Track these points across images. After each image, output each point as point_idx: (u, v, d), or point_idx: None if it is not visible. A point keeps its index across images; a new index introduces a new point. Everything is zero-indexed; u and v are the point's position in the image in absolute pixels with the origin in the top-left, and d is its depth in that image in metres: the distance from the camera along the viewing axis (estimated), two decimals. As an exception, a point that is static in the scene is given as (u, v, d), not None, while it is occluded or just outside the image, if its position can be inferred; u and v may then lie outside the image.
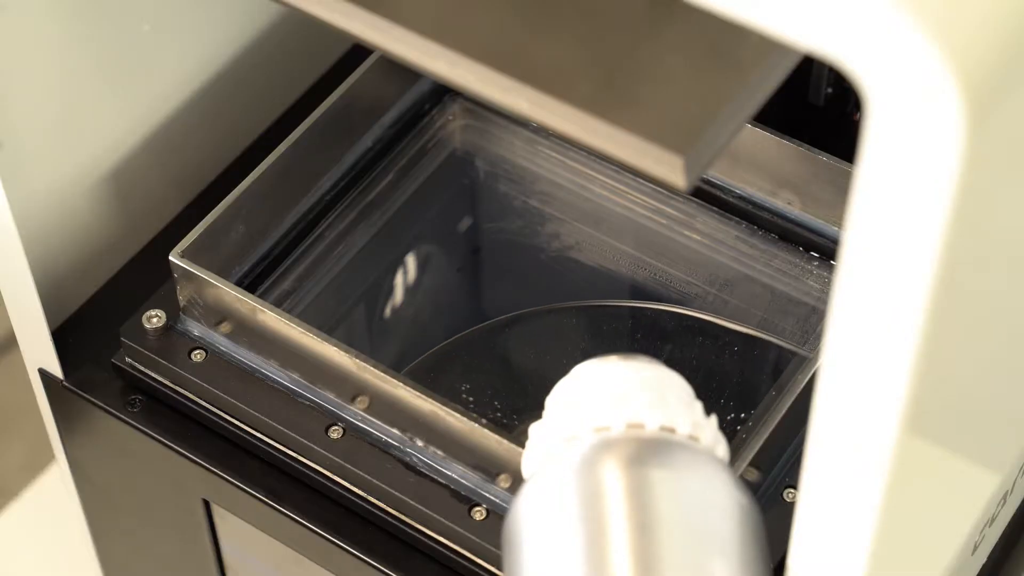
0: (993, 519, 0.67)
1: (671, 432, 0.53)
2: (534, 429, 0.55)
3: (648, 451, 0.52)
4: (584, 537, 0.51)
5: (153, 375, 0.69)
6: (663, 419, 0.53)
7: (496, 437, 0.62)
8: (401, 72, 0.75)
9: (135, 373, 0.69)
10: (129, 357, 0.69)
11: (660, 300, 0.75)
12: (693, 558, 0.51)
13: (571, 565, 0.51)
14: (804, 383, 0.65)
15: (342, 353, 0.64)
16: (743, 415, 0.71)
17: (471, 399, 0.73)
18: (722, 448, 0.54)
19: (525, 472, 0.55)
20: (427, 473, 0.65)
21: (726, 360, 0.74)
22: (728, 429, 0.56)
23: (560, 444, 0.53)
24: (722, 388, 0.72)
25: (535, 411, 0.56)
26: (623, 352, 0.56)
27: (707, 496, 0.52)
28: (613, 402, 0.53)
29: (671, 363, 0.56)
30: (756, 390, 0.72)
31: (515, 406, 0.73)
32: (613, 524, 0.51)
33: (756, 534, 0.52)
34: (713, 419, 0.54)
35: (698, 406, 0.54)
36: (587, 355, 0.55)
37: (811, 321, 0.72)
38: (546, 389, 0.55)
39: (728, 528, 0.51)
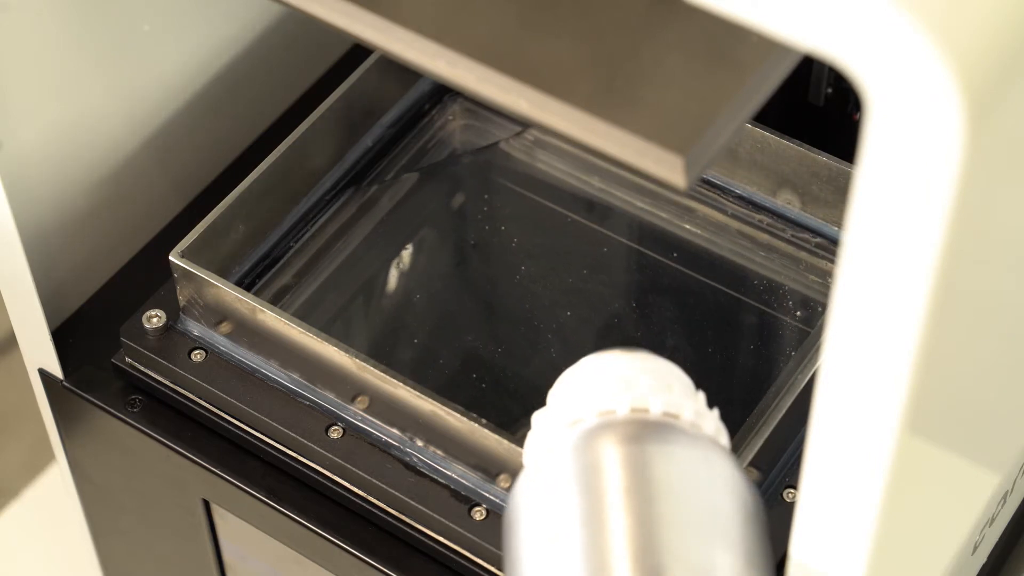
0: (993, 519, 0.67)
1: (675, 418, 0.53)
2: (537, 417, 0.55)
3: (651, 432, 0.52)
4: (582, 510, 0.51)
5: (153, 375, 0.69)
6: (667, 405, 0.53)
7: (496, 437, 0.62)
8: (401, 72, 0.75)
9: (135, 373, 0.69)
10: (129, 357, 0.69)
11: (660, 295, 0.75)
12: (695, 539, 0.50)
13: (569, 538, 0.50)
14: (804, 383, 0.65)
15: (342, 353, 0.64)
16: (739, 411, 0.71)
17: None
18: (724, 440, 0.54)
19: (527, 460, 0.55)
20: (427, 473, 0.65)
21: (725, 356, 0.74)
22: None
23: (563, 429, 0.53)
24: (720, 384, 0.72)
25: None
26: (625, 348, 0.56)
27: (710, 479, 0.52)
28: (617, 387, 0.53)
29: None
30: (755, 387, 0.72)
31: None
32: (611, 496, 0.50)
33: (759, 522, 0.52)
34: (715, 411, 0.54)
35: (701, 397, 0.55)
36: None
37: (811, 320, 0.72)
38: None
39: (731, 511, 0.51)
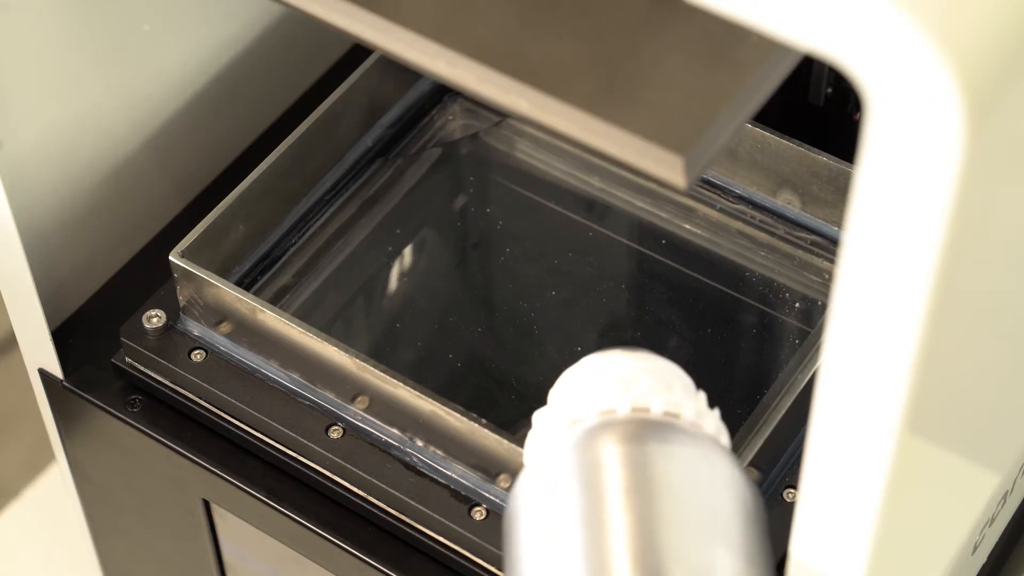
0: (993, 519, 0.67)
1: (675, 418, 0.53)
2: (538, 416, 0.55)
3: (651, 431, 0.52)
4: (582, 509, 0.51)
5: (153, 375, 0.69)
6: (668, 405, 0.53)
7: (496, 437, 0.62)
8: (401, 72, 0.75)
9: (135, 373, 0.69)
10: (129, 357, 0.69)
11: (660, 295, 0.75)
12: (696, 538, 0.50)
13: (569, 538, 0.50)
14: (804, 383, 0.65)
15: (342, 353, 0.64)
16: (739, 411, 0.71)
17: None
18: (724, 439, 0.54)
19: (527, 459, 0.55)
20: (427, 473, 0.65)
21: (725, 356, 0.74)
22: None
23: (563, 428, 0.53)
24: (721, 384, 0.72)
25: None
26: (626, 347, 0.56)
27: (710, 479, 0.52)
28: (618, 387, 0.53)
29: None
30: (756, 387, 0.72)
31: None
32: (611, 495, 0.50)
33: (759, 522, 0.52)
34: (716, 411, 0.54)
35: (702, 396, 0.55)
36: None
37: (811, 320, 0.72)
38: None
39: (731, 511, 0.51)
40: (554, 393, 0.55)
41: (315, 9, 0.49)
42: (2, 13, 0.63)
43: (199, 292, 0.67)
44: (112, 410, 0.70)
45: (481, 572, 0.64)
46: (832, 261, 0.72)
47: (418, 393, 0.63)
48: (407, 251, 0.77)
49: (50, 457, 0.91)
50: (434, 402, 0.63)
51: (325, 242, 0.74)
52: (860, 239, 0.41)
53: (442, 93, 0.77)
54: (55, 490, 0.92)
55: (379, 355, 0.68)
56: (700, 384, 0.55)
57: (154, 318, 0.68)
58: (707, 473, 0.52)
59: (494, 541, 0.62)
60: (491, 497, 0.64)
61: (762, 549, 0.51)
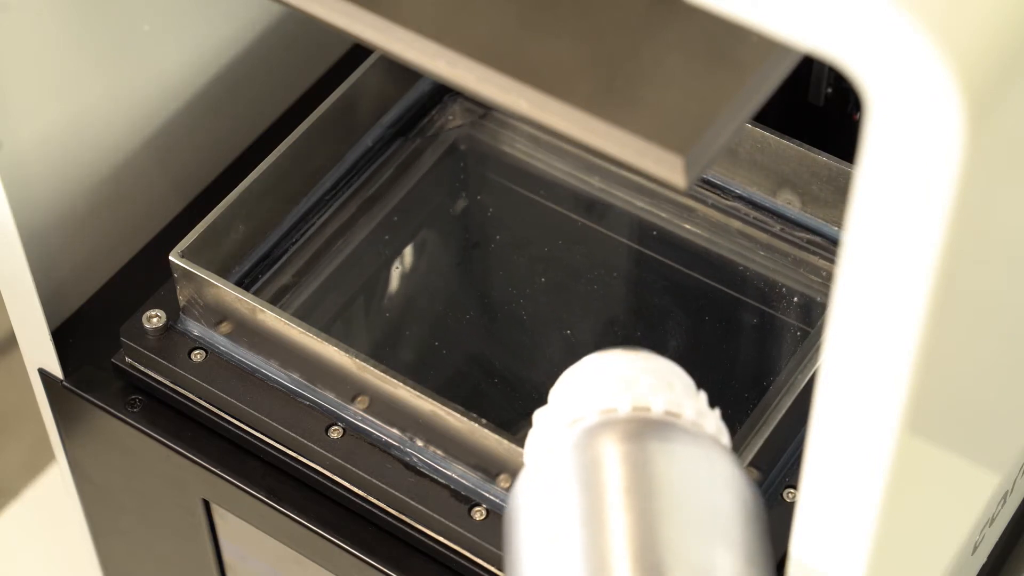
0: (993, 519, 0.67)
1: (676, 417, 0.53)
2: (538, 415, 0.55)
3: (652, 430, 0.52)
4: (582, 508, 0.51)
5: (153, 375, 0.69)
6: (668, 404, 0.53)
7: (496, 437, 0.62)
8: (401, 72, 0.75)
9: (135, 373, 0.69)
10: (129, 357, 0.69)
11: (660, 295, 0.75)
12: (696, 538, 0.50)
13: (569, 537, 0.50)
14: (804, 383, 0.65)
15: (342, 353, 0.64)
16: (739, 411, 0.71)
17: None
18: (725, 439, 0.54)
19: (527, 458, 0.55)
20: (427, 473, 0.65)
21: (725, 356, 0.74)
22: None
23: (564, 428, 0.53)
24: (721, 384, 0.72)
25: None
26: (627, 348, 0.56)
27: (711, 478, 0.52)
28: (619, 386, 0.53)
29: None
30: (756, 387, 0.72)
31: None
32: (612, 494, 0.50)
33: (759, 522, 0.52)
34: (717, 411, 0.54)
35: (702, 396, 0.55)
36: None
37: (811, 320, 0.72)
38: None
39: (731, 511, 0.51)
40: (554, 392, 0.55)
41: (315, 9, 0.49)
42: (2, 13, 0.63)
43: (199, 292, 0.67)
44: (112, 410, 0.70)
45: (481, 572, 0.64)
46: (832, 261, 0.72)
47: (418, 393, 0.63)
48: (407, 251, 0.77)
49: (50, 457, 0.91)
50: (434, 402, 0.63)
51: (325, 242, 0.74)
52: (860, 239, 0.41)
53: (442, 93, 0.77)
54: (55, 490, 0.92)
55: (379, 355, 0.68)
56: (700, 384, 0.55)
57: (154, 318, 0.68)
58: (707, 473, 0.52)
59: (494, 541, 0.62)
60: (491, 497, 0.64)
61: (762, 549, 0.51)
